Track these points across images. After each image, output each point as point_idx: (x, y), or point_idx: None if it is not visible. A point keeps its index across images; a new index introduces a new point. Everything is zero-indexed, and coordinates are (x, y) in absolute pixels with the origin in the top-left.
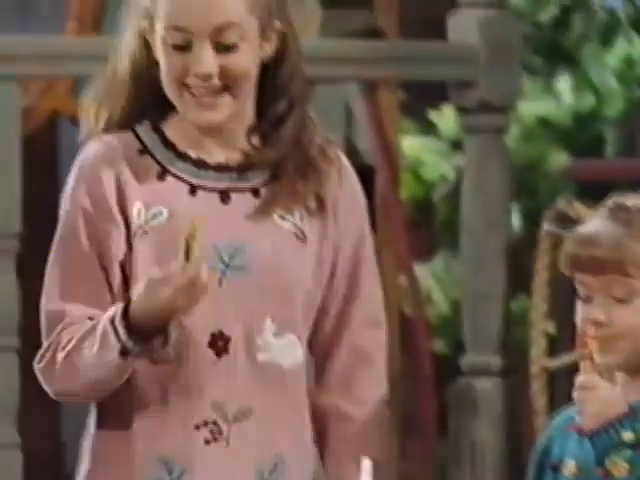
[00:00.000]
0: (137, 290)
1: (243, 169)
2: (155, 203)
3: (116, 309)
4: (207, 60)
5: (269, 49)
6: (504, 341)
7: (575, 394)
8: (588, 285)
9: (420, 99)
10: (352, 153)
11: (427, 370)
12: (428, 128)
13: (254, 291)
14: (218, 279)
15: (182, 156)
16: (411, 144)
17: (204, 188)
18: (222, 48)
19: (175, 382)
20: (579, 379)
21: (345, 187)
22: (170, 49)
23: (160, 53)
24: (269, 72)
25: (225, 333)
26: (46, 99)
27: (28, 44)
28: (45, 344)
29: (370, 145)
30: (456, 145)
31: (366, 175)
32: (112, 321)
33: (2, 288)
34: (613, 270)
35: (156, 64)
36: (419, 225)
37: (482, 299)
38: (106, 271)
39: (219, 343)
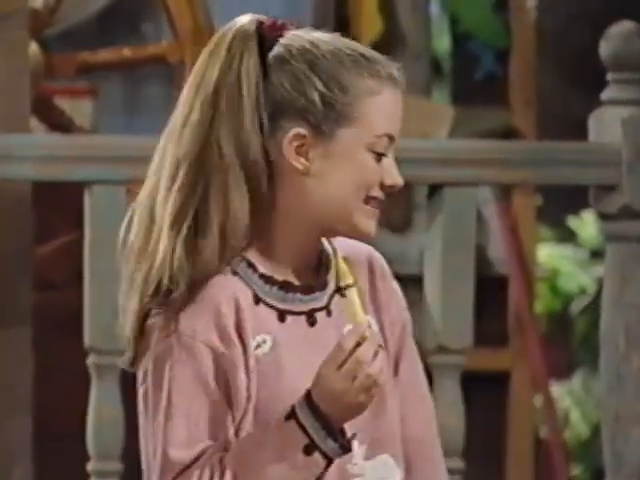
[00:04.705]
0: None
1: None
2: (258, 331)
3: (295, 404)
4: (398, 172)
5: None
6: None
7: None
8: None
9: (558, 204)
10: (484, 262)
11: None
12: (567, 236)
13: None
14: None
15: (268, 279)
16: (548, 253)
17: (291, 312)
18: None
19: None
20: None
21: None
22: (370, 157)
23: (345, 158)
24: None
25: None
26: None
27: (136, 145)
28: None
29: (503, 254)
30: (597, 254)
31: (498, 286)
32: (290, 416)
33: (107, 409)
34: None
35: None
36: (556, 341)
37: (623, 422)
38: (231, 407)
39: None
